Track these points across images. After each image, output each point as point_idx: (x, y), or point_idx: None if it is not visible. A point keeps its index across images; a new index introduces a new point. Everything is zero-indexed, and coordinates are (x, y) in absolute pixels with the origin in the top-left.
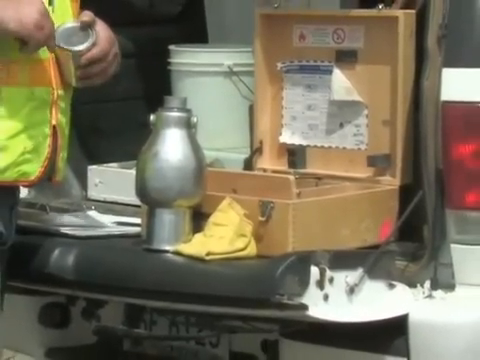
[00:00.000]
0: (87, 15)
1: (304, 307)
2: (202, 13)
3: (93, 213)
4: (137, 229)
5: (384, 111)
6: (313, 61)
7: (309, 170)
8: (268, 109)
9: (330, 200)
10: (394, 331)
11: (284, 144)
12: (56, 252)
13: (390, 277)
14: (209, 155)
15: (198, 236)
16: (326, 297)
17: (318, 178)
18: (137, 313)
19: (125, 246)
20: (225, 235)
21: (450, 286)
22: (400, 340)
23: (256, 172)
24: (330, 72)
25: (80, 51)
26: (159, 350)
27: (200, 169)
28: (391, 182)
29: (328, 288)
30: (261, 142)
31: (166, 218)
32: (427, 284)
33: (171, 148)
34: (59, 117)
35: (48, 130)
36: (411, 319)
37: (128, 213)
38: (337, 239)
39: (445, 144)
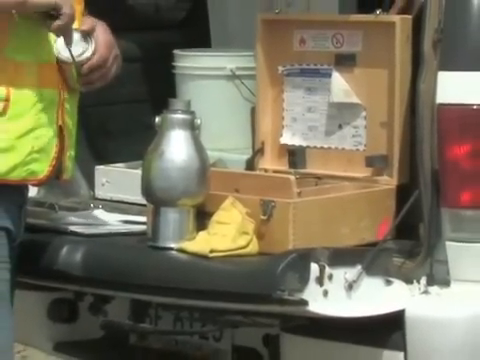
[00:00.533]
0: (87, 24)
1: (304, 303)
2: (205, 19)
3: (100, 212)
4: (142, 227)
5: (382, 113)
6: (313, 65)
7: (309, 170)
8: (269, 111)
9: (329, 199)
10: (391, 326)
11: (285, 145)
12: (64, 250)
13: (387, 274)
14: (212, 156)
15: (202, 234)
16: (325, 293)
17: (318, 178)
18: (143, 308)
19: (131, 244)
20: (228, 233)
21: (445, 282)
22: (397, 334)
23: (258, 172)
24: (329, 75)
25: (81, 61)
26: (164, 344)
27: (204, 169)
28: (388, 182)
29: (327, 284)
30: (263, 143)
31: (171, 217)
32: (423, 280)
33: (176, 149)
34: (65, 118)
35: (55, 130)
36: (408, 314)
37: (134, 212)
38: (336, 237)
39: (440, 145)
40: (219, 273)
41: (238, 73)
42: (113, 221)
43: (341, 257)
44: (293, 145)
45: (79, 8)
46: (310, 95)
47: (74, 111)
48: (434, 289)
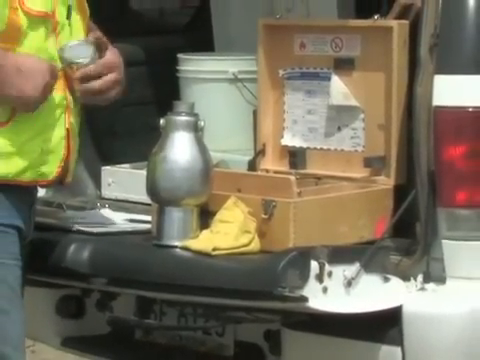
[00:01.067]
0: (94, 35)
1: (304, 299)
2: (209, 23)
3: (106, 211)
4: (147, 226)
5: (379, 115)
6: (313, 68)
7: (309, 171)
8: (270, 113)
9: (329, 199)
10: (389, 321)
11: (285, 146)
12: (72, 247)
13: (385, 271)
14: (215, 156)
15: (205, 232)
16: (325, 290)
17: (317, 178)
18: (148, 305)
19: (136, 242)
20: (230, 231)
21: (441, 279)
22: (394, 330)
23: (259, 172)
24: (329, 79)
25: (74, 63)
26: (168, 339)
27: (207, 170)
28: (386, 182)
29: (327, 281)
30: (264, 144)
31: (175, 216)
32: (420, 277)
33: (179, 150)
34: (71, 121)
35: (63, 132)
36: (405, 310)
37: (139, 211)
38: (335, 235)
39: (437, 146)
40: (222, 270)
41: (240, 76)
42: (119, 220)
43: (340, 255)
44: (293, 146)
45: (83, 16)
46: (310, 98)
47: (79, 114)
48: (430, 286)
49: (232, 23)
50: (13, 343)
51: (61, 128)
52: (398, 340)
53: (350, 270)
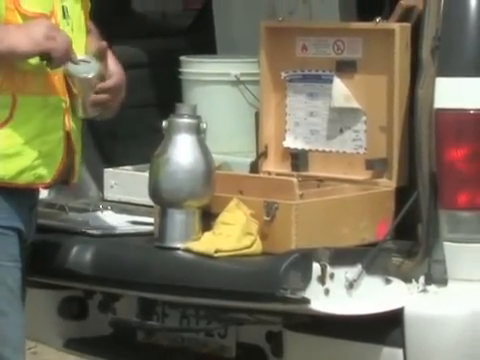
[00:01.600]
0: (93, 37)
1: (306, 301)
2: (211, 26)
3: (109, 213)
4: (150, 228)
5: (381, 118)
6: (315, 71)
7: (311, 173)
8: (272, 116)
9: (331, 201)
10: (390, 323)
11: (287, 148)
12: (74, 249)
13: (387, 273)
14: (217, 159)
15: (207, 234)
16: (327, 291)
17: (319, 180)
18: (150, 306)
19: (138, 244)
20: (232, 233)
21: (443, 281)
22: (396, 332)
23: (261, 175)
24: (331, 81)
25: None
26: (171, 341)
27: (209, 172)
28: (388, 184)
29: (329, 283)
30: (266, 146)
31: (177, 218)
32: (421, 279)
33: (182, 152)
34: (72, 124)
35: (62, 135)
36: (406, 312)
37: (141, 213)
38: (337, 237)
39: (438, 149)
40: (224, 272)
41: (242, 79)
42: (121, 222)
43: (342, 257)
44: (295, 148)
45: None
46: (312, 100)
47: (79, 118)
48: (432, 288)
49: (234, 26)
50: (12, 345)
51: (60, 131)
52: (400, 342)
53: (352, 272)
